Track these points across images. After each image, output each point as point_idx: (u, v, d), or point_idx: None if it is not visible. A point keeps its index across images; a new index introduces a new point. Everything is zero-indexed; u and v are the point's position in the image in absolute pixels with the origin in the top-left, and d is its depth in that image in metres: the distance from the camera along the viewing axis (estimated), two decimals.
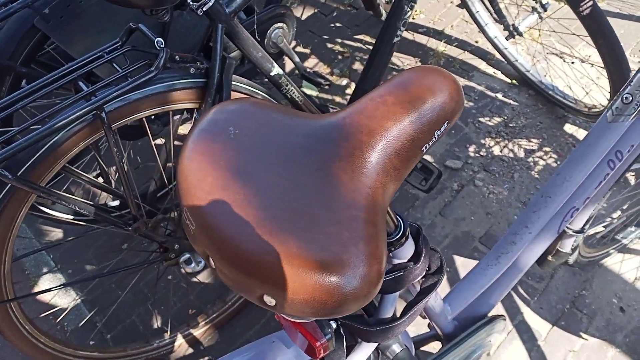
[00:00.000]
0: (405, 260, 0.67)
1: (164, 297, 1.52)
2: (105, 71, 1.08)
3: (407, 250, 0.65)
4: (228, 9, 1.12)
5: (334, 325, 0.60)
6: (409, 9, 1.37)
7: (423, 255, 0.66)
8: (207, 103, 1.08)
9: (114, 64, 0.97)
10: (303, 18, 2.30)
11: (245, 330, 1.46)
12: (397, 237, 0.60)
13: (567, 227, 1.09)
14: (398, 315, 0.71)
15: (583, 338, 1.40)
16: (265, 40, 1.78)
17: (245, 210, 0.42)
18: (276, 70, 1.23)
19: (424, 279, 0.74)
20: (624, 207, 1.55)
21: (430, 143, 0.49)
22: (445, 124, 0.48)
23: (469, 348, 1.00)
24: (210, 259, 0.43)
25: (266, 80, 1.29)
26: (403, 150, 0.47)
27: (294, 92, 1.30)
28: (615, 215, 1.55)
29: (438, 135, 0.49)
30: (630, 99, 0.83)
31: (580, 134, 1.82)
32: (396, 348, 0.75)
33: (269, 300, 0.42)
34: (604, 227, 1.38)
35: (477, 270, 1.00)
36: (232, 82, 1.13)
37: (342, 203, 0.43)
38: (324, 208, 0.43)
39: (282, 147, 0.46)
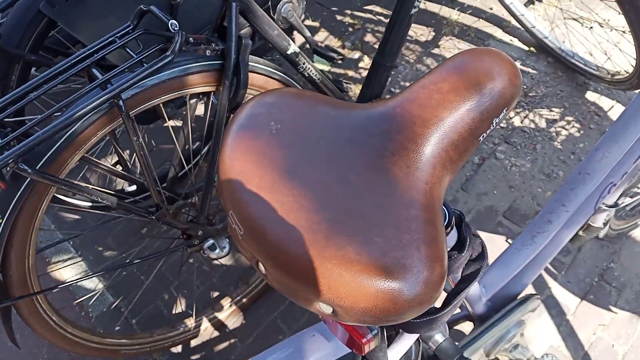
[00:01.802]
0: (449, 250, 0.64)
1: (187, 281, 1.50)
2: (117, 56, 1.04)
3: (452, 238, 0.62)
4: None
5: None
6: None
7: (467, 243, 0.63)
8: (225, 86, 1.04)
9: (127, 49, 0.93)
10: None
11: (270, 311, 1.44)
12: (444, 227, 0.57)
13: (602, 203, 1.06)
14: (439, 304, 0.68)
15: (612, 311, 1.38)
16: (276, 16, 1.72)
17: (296, 213, 0.39)
18: (293, 48, 1.19)
19: (465, 266, 0.71)
20: None
21: (488, 132, 0.45)
22: (504, 110, 0.45)
23: (503, 329, 0.98)
24: (260, 265, 0.41)
25: (277, 57, 1.24)
26: (460, 141, 0.43)
27: (311, 70, 1.26)
28: None
29: (496, 122, 0.45)
30: None
31: (603, 101, 1.76)
32: (439, 338, 0.73)
33: (327, 309, 0.39)
34: (634, 199, 1.34)
35: (512, 251, 0.97)
36: (249, 63, 1.09)
37: (398, 202, 0.40)
38: (380, 208, 0.39)
39: (328, 142, 0.43)
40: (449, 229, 0.61)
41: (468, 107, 0.43)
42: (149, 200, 1.13)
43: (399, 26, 1.36)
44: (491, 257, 1.42)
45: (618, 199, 1.12)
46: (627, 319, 1.37)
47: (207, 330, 1.40)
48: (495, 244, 1.51)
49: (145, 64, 0.89)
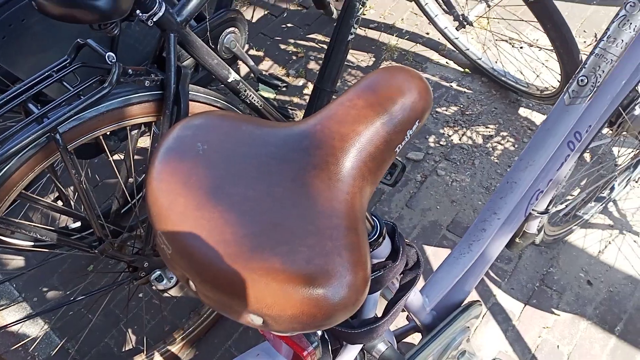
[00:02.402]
0: (384, 259, 0.67)
1: (136, 316, 1.48)
2: (55, 91, 1.04)
3: (385, 249, 0.65)
4: (179, 18, 1.10)
5: (319, 333, 0.59)
6: (360, 6, 1.37)
7: (401, 252, 0.66)
8: (165, 116, 1.05)
9: (64, 83, 0.94)
10: (254, 20, 2.28)
11: (224, 340, 1.43)
12: (375, 237, 0.60)
13: (532, 209, 1.12)
14: (380, 314, 0.71)
15: (555, 314, 1.44)
16: (218, 46, 1.75)
17: (222, 229, 0.41)
18: (233, 76, 1.21)
19: (402, 275, 0.74)
20: (583, 184, 1.60)
21: (402, 143, 0.48)
22: (417, 122, 0.48)
23: (449, 336, 1.02)
24: (191, 282, 0.42)
25: (222, 86, 1.27)
26: (377, 153, 0.47)
27: (252, 97, 1.28)
28: (575, 193, 1.60)
29: (410, 134, 0.49)
30: (586, 81, 0.85)
31: (534, 116, 1.86)
32: (381, 347, 0.75)
33: (256, 319, 0.41)
34: (565, 205, 1.42)
35: (451, 260, 1.01)
36: (189, 92, 1.11)
37: (321, 213, 0.42)
38: (304, 219, 0.42)
39: (253, 160, 0.45)
40: (381, 239, 0.64)
41: (382, 120, 0.46)
42: (94, 236, 1.12)
43: (336, 52, 1.41)
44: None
45: (549, 206, 1.18)
46: (570, 320, 1.43)
47: None
48: (440, 257, 1.56)
49: (82, 97, 0.90)
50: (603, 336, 1.40)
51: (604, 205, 1.58)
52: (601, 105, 0.91)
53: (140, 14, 1.01)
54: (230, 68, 1.21)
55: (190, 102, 1.10)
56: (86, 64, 0.95)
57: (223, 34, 1.72)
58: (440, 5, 1.83)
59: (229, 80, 1.21)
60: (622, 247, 1.54)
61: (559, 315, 1.44)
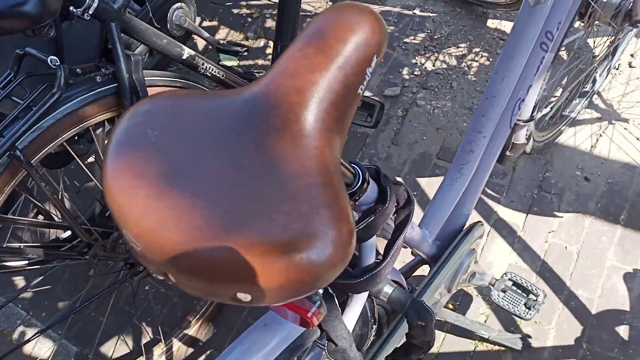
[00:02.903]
0: (373, 204, 0.65)
1: (147, 309, 1.48)
2: (6, 106, 0.99)
3: (372, 194, 0.64)
4: (116, 5, 1.04)
5: (320, 291, 0.58)
6: None
7: (389, 193, 0.65)
8: (125, 107, 1.01)
9: (13, 98, 0.90)
10: None
11: (239, 313, 1.44)
12: (358, 185, 0.58)
13: (517, 120, 1.10)
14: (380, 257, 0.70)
15: (558, 216, 1.45)
16: (168, 25, 1.68)
17: (190, 215, 0.39)
18: (187, 52, 1.17)
19: (396, 215, 0.72)
20: (564, 83, 1.57)
21: (364, 83, 0.46)
22: (375, 58, 0.46)
23: (456, 262, 1.02)
24: (169, 275, 0.40)
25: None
26: (339, 100, 0.44)
27: (212, 69, 1.24)
28: (557, 94, 1.57)
29: (370, 72, 0.46)
30: None
31: (504, 25, 1.82)
32: (388, 289, 0.75)
33: (244, 297, 0.39)
34: (550, 108, 1.40)
35: (444, 188, 1.00)
36: (146, 78, 1.07)
37: (292, 175, 0.40)
38: (275, 186, 0.40)
39: (210, 135, 0.43)
40: (365, 184, 0.62)
41: (338, 64, 0.44)
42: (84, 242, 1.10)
43: (289, 4, 1.36)
44: None
45: (533, 112, 1.16)
46: (573, 220, 1.44)
47: (180, 350, 1.39)
48: (435, 187, 1.54)
49: (34, 107, 0.86)
50: (609, 228, 1.40)
51: (588, 99, 1.57)
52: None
53: (74, 10, 0.96)
54: (182, 45, 1.16)
55: (149, 88, 1.06)
56: (31, 74, 0.91)
57: (170, 11, 1.65)
58: None
59: (184, 57, 1.16)
60: (613, 137, 1.53)
61: (562, 217, 1.44)
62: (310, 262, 0.38)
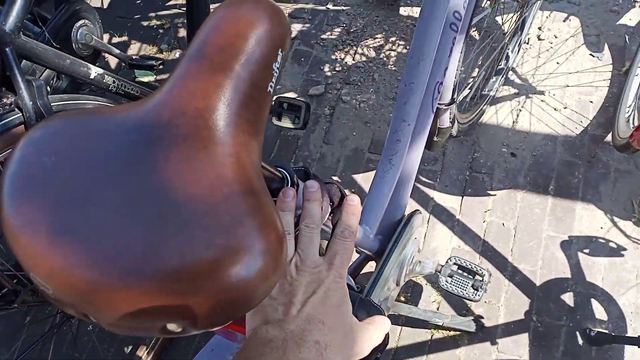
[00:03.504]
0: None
1: (92, 350, 1.39)
2: None
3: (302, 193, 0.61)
4: (8, 29, 0.97)
5: None
6: None
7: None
8: None
9: None
10: (105, 6, 2.10)
11: (191, 339, 1.38)
12: None
13: (438, 104, 1.11)
14: None
15: (492, 195, 1.48)
16: (74, 45, 1.59)
17: (100, 245, 0.35)
18: (95, 71, 1.10)
19: (332, 215, 0.70)
20: (479, 63, 1.61)
21: (273, 80, 0.43)
22: (280, 52, 0.43)
23: (400, 254, 1.01)
24: (89, 316, 0.36)
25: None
26: (248, 100, 0.41)
27: (125, 87, 1.18)
28: (474, 74, 1.61)
29: (277, 67, 0.43)
30: None
31: (415, 11, 1.85)
32: None
33: (175, 328, 0.35)
34: (469, 89, 1.42)
35: (377, 181, 0.98)
36: (54, 104, 0.99)
37: (207, 186, 0.37)
38: (190, 200, 0.36)
39: (113, 154, 0.38)
40: (295, 187, 0.59)
41: (241, 62, 0.40)
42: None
43: (198, 10, 1.32)
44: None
45: (453, 95, 1.17)
46: (506, 196, 1.47)
47: None
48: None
49: None
50: (540, 199, 1.45)
51: (504, 76, 1.61)
52: None
53: None
54: (88, 64, 1.09)
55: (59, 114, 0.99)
56: None
57: (74, 29, 1.56)
58: None
59: (92, 77, 1.09)
60: (532, 110, 1.58)
61: (495, 194, 1.48)
62: (240, 279, 0.35)
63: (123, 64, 1.90)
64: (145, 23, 2.04)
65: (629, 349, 1.24)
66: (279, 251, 0.37)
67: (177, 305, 0.34)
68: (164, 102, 0.40)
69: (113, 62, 1.97)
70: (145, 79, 1.90)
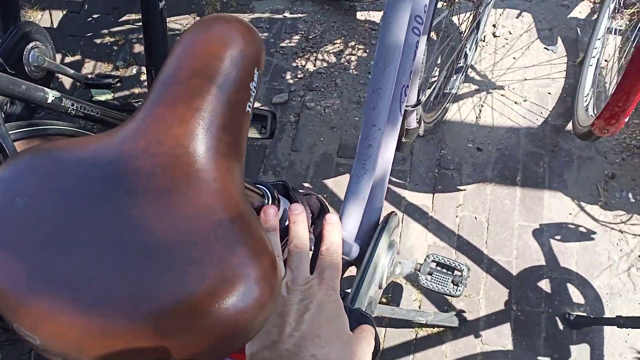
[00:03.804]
0: (287, 222, 0.62)
1: None
2: None
3: (285, 212, 0.60)
4: None
5: None
6: None
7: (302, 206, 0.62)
8: None
9: None
10: (55, 26, 2.04)
11: None
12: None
13: (405, 106, 1.11)
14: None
15: (462, 190, 1.50)
16: (26, 68, 1.54)
17: (87, 289, 0.33)
18: (52, 95, 1.06)
19: (313, 227, 0.69)
20: (439, 63, 1.63)
21: (251, 100, 0.42)
22: (256, 71, 0.42)
23: (381, 257, 1.01)
24: None
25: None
26: (227, 122, 0.40)
27: (85, 108, 1.14)
28: (436, 74, 1.63)
29: (254, 87, 0.42)
30: None
31: (372, 15, 1.86)
32: None
33: None
34: (432, 88, 1.44)
35: (352, 187, 0.98)
36: (11, 132, 0.96)
37: (194, 216, 0.36)
38: (176, 232, 0.35)
39: (91, 188, 0.37)
40: (276, 203, 0.59)
41: (217, 84, 0.39)
42: None
43: (154, 27, 1.29)
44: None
45: (419, 96, 1.18)
46: (476, 190, 1.49)
47: None
48: (343, 186, 1.55)
49: None
50: (509, 190, 1.48)
51: (464, 74, 1.64)
52: None
53: None
54: (44, 88, 1.06)
55: (16, 143, 0.95)
56: None
57: (25, 52, 1.51)
58: None
59: (50, 101, 1.06)
60: (493, 105, 1.61)
61: (465, 189, 1.50)
62: (237, 311, 0.34)
63: (78, 84, 1.85)
64: (98, 40, 1.99)
65: (607, 330, 1.27)
66: (274, 277, 0.36)
67: (173, 346, 0.32)
68: (139, 132, 0.38)
69: (67, 82, 1.92)
70: (103, 98, 1.85)
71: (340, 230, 0.56)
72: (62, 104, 1.08)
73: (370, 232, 1.02)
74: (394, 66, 0.90)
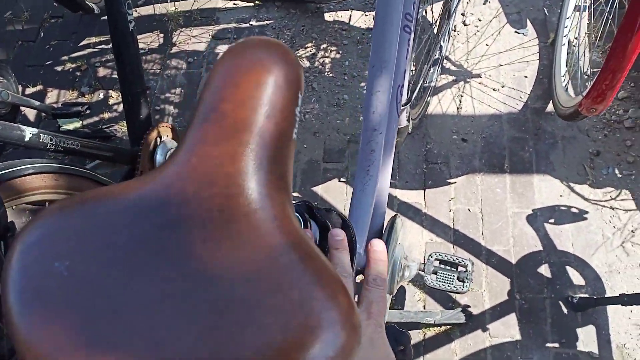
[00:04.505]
0: (317, 242, 0.59)
1: None
2: None
3: (315, 233, 0.58)
4: None
5: None
6: None
7: (329, 224, 0.59)
8: None
9: None
10: (11, 57, 1.95)
11: None
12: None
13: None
14: None
15: (452, 183, 1.49)
16: None
17: (162, 354, 0.30)
18: (29, 132, 1.00)
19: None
20: (415, 57, 1.62)
21: (296, 125, 0.39)
22: (299, 95, 0.39)
23: (391, 263, 0.99)
24: None
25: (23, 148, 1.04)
26: (276, 153, 0.37)
27: (64, 142, 1.08)
28: (413, 69, 1.62)
29: (299, 112, 0.39)
30: None
31: (340, 15, 1.84)
32: None
33: None
34: (415, 84, 1.43)
35: (358, 194, 0.96)
36: None
37: (262, 261, 0.32)
38: (246, 281, 0.32)
39: (138, 244, 0.33)
40: (309, 226, 0.56)
41: (265, 114, 0.36)
42: None
43: (126, 49, 1.23)
44: (339, 203, 1.42)
45: (409, 94, 1.17)
46: (466, 181, 1.49)
47: None
48: (332, 191, 1.52)
49: None
50: (498, 179, 1.48)
51: (440, 65, 1.63)
52: None
53: None
54: (20, 126, 1.00)
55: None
56: None
57: None
58: None
59: (27, 139, 1.00)
60: (472, 94, 1.62)
61: (455, 182, 1.49)
62: (325, 358, 0.31)
63: (44, 115, 1.77)
64: (59, 68, 1.91)
65: (611, 308, 1.28)
66: (355, 316, 0.34)
67: None
68: (186, 174, 0.35)
69: (31, 114, 1.83)
70: (71, 127, 1.77)
71: (386, 261, 0.54)
72: (41, 141, 1.03)
73: (377, 238, 1.00)
74: (391, 67, 0.88)
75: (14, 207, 0.93)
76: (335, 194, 1.52)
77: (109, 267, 0.33)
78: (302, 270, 0.33)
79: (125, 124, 1.77)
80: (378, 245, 0.55)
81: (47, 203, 1.10)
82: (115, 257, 0.33)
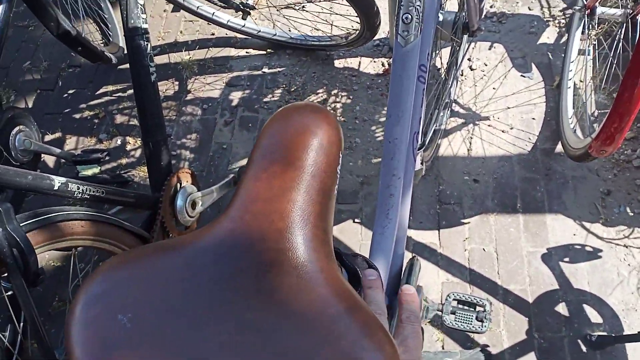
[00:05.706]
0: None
1: None
2: None
3: (344, 276, 0.60)
4: None
5: None
6: (146, 42, 1.25)
7: (358, 270, 0.61)
8: (11, 266, 0.87)
9: None
10: (30, 106, 2.01)
11: None
12: None
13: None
14: None
15: (466, 223, 1.51)
16: (13, 153, 1.51)
17: None
18: (57, 181, 1.04)
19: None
20: (427, 102, 1.66)
21: (337, 182, 0.42)
22: (340, 155, 0.42)
23: None
24: None
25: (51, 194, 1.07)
26: (320, 209, 0.40)
27: (90, 190, 1.12)
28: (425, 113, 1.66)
29: (339, 169, 0.42)
30: (410, 17, 0.85)
31: (350, 62, 1.90)
32: None
33: None
34: (427, 128, 1.47)
35: (377, 238, 0.98)
36: (22, 224, 0.93)
37: (311, 312, 0.35)
38: (298, 331, 0.34)
39: (195, 297, 0.36)
40: (341, 271, 0.58)
41: (311, 174, 0.39)
42: None
43: (149, 99, 1.28)
44: (354, 244, 1.44)
45: (424, 139, 1.20)
46: (480, 221, 1.51)
47: None
48: (348, 233, 1.54)
49: None
50: (512, 218, 1.50)
51: (449, 109, 1.68)
52: (429, 31, 0.93)
53: None
54: (49, 175, 1.03)
55: (29, 235, 0.92)
56: None
57: (11, 137, 1.49)
58: (215, 3, 1.75)
59: (56, 188, 1.03)
60: (482, 135, 1.65)
61: (469, 222, 1.51)
62: None
63: (63, 161, 1.81)
64: (77, 115, 1.96)
65: (630, 346, 1.28)
66: (396, 355, 0.36)
67: None
68: (239, 230, 0.37)
69: (50, 160, 1.88)
70: (90, 173, 1.81)
71: (418, 301, 0.57)
72: (68, 189, 1.06)
73: (396, 281, 1.02)
74: (408, 116, 0.91)
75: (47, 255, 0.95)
76: (350, 234, 1.54)
77: (169, 319, 0.36)
78: (349, 321, 0.35)
79: (142, 169, 1.81)
80: (409, 289, 0.58)
81: (73, 249, 1.13)
82: (174, 310, 0.36)
